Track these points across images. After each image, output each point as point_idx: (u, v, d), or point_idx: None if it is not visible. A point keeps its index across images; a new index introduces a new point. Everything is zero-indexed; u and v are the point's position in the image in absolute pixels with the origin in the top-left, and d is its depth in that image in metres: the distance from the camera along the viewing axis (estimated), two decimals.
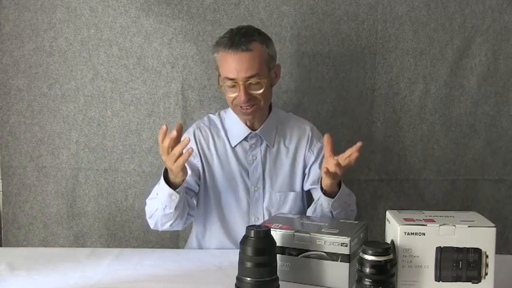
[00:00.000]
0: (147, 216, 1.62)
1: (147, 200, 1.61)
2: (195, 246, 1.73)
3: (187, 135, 1.43)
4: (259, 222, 1.62)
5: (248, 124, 1.67)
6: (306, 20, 1.97)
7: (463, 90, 2.02)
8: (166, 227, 1.58)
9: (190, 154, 1.36)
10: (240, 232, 1.59)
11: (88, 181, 2.02)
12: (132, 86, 1.99)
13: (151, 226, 1.63)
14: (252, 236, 1.11)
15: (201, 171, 1.67)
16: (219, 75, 1.63)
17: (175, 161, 1.36)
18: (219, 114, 1.74)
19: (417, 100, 2.02)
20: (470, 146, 2.04)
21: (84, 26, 1.97)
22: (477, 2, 1.97)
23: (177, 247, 2.01)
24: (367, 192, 2.03)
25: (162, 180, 1.47)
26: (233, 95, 1.57)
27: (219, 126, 1.71)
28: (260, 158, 1.67)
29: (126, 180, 2.01)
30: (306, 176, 1.70)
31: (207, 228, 1.69)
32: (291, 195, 1.67)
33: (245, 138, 1.67)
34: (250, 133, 1.67)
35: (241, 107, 1.59)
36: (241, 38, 1.55)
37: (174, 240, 2.02)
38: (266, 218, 1.63)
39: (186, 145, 1.35)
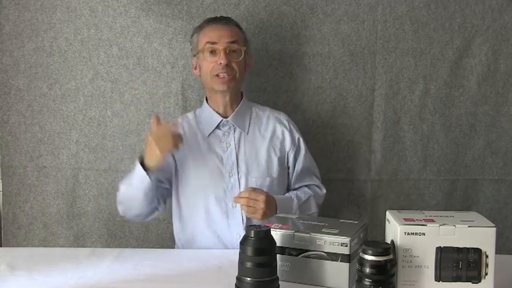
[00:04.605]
0: (117, 202, 1.71)
1: (120, 185, 1.69)
2: (179, 240, 1.75)
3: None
4: (237, 208, 1.66)
5: (221, 111, 1.74)
6: (306, 20, 1.98)
7: (463, 90, 2.02)
8: (132, 213, 1.71)
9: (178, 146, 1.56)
10: (219, 219, 1.66)
11: (88, 181, 2.02)
12: (132, 86, 1.99)
13: (120, 212, 1.73)
14: (252, 236, 1.11)
15: (173, 169, 1.72)
16: (195, 54, 1.75)
17: (164, 146, 1.54)
18: (194, 112, 1.82)
19: (417, 100, 2.02)
20: (470, 146, 2.04)
21: (84, 26, 1.97)
22: (477, 2, 1.97)
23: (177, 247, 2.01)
24: (367, 192, 2.04)
25: (137, 163, 1.59)
26: (212, 60, 1.68)
27: (192, 122, 1.78)
28: (234, 145, 1.72)
29: None
30: (292, 168, 1.77)
31: (188, 220, 1.71)
32: (267, 180, 1.70)
33: (218, 127, 1.74)
34: (222, 120, 1.73)
35: (218, 75, 1.68)
36: (222, 17, 1.77)
37: (174, 240, 2.02)
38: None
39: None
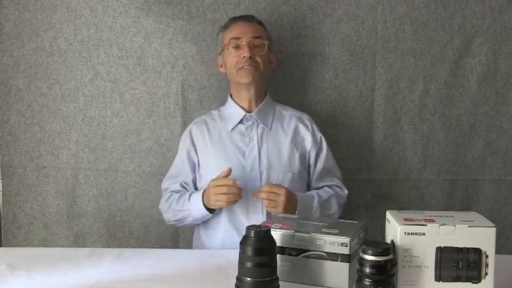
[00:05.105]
0: (171, 219, 1.76)
1: (174, 210, 1.73)
2: (201, 235, 1.78)
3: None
4: (257, 202, 1.67)
5: (245, 107, 1.78)
6: (306, 20, 1.98)
7: (463, 90, 2.02)
8: (180, 225, 1.83)
9: (234, 203, 1.61)
10: (240, 213, 1.68)
11: (88, 181, 2.02)
12: (132, 86, 1.99)
13: (167, 223, 1.82)
14: (252, 236, 1.11)
15: (196, 163, 1.79)
16: (221, 52, 1.80)
17: (218, 201, 1.60)
18: (218, 109, 1.87)
19: (417, 100, 2.02)
20: (470, 146, 2.04)
21: (84, 26, 1.97)
22: (477, 2, 1.97)
23: (177, 247, 2.01)
24: (367, 192, 2.04)
25: (201, 204, 1.65)
26: (236, 54, 1.73)
27: (216, 117, 1.83)
28: (256, 140, 1.74)
29: (126, 180, 2.01)
30: (313, 167, 1.79)
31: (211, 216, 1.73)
32: (289, 175, 1.72)
33: (241, 121, 1.77)
34: (245, 115, 1.77)
35: (242, 67, 1.72)
36: (245, 15, 1.83)
37: (174, 240, 2.03)
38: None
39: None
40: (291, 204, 1.60)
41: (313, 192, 1.74)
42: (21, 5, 1.96)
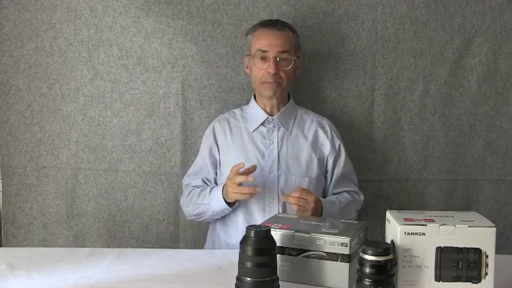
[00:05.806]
0: (191, 213, 1.79)
1: (195, 204, 1.75)
2: (217, 231, 1.79)
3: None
4: (274, 203, 1.71)
5: (267, 110, 1.81)
6: (306, 20, 1.98)
7: (463, 90, 2.02)
8: (199, 220, 1.83)
9: (251, 197, 1.61)
10: (256, 214, 1.70)
11: (88, 181, 2.02)
12: (132, 86, 1.99)
13: (187, 218, 1.85)
14: (252, 236, 1.11)
15: (217, 160, 1.82)
16: (248, 55, 1.81)
17: (236, 193, 1.60)
18: (241, 108, 1.89)
19: (417, 100, 2.02)
20: (470, 146, 2.04)
21: (84, 26, 1.97)
22: (477, 2, 1.97)
23: (177, 247, 2.01)
24: (367, 192, 2.03)
25: (221, 197, 1.67)
26: (262, 67, 1.74)
27: (239, 116, 1.86)
28: (276, 143, 1.77)
29: (126, 180, 2.01)
30: (330, 173, 1.81)
31: (226, 215, 1.74)
32: (306, 180, 1.74)
33: (263, 123, 1.79)
34: (267, 118, 1.78)
35: (266, 82, 1.74)
36: (277, 21, 1.80)
37: (174, 240, 2.03)
38: (281, 199, 1.71)
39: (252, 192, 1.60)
40: (316, 211, 1.61)
41: (333, 197, 1.76)
42: (21, 5, 1.96)
